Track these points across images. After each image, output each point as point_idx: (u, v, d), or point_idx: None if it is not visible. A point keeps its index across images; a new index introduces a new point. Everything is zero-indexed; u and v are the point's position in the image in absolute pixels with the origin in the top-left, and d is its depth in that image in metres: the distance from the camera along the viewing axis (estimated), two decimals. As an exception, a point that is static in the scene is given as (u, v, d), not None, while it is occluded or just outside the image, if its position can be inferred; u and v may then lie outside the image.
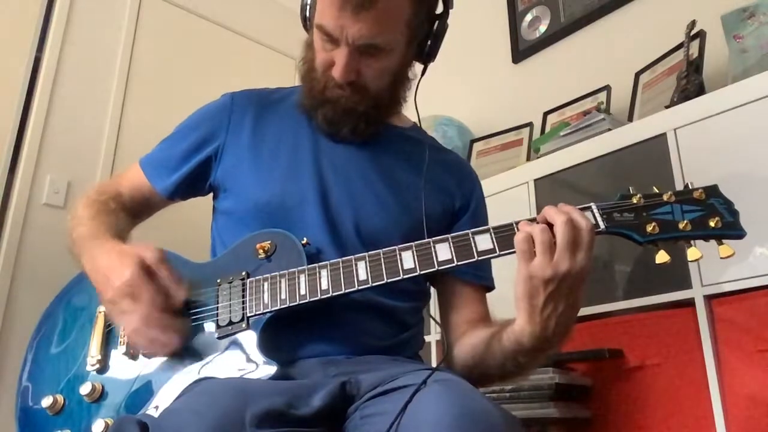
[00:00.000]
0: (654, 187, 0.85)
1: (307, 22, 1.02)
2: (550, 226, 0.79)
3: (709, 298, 1.32)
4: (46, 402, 0.90)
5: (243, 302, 0.88)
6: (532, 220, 0.82)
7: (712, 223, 0.81)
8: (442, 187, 1.07)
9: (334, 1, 0.90)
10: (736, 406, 1.24)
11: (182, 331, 0.86)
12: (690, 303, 1.34)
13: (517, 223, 0.82)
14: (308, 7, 1.00)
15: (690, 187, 0.84)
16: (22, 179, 2.16)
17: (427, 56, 1.05)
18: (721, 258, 0.80)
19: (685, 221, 0.81)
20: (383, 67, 0.98)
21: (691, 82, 1.55)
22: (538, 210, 1.72)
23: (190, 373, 0.86)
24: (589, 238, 0.78)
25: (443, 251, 0.84)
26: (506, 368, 0.89)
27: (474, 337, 0.94)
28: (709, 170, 1.36)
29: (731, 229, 0.81)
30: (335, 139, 1.03)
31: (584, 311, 1.54)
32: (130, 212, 1.07)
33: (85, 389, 0.88)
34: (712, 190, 0.84)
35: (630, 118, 1.79)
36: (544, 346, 0.83)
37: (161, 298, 0.85)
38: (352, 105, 0.99)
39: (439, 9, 1.03)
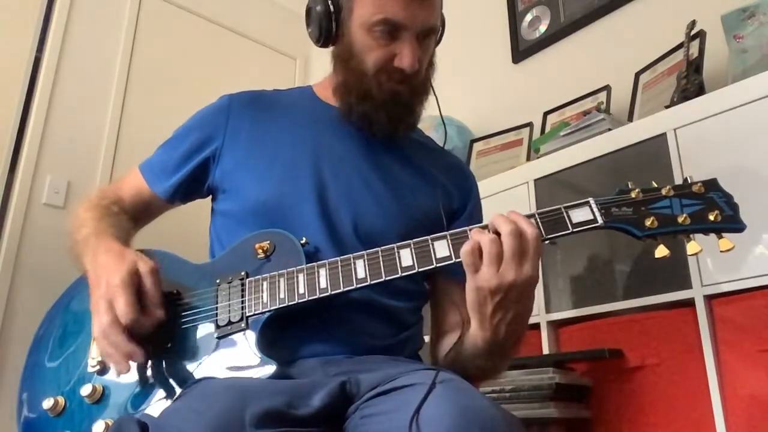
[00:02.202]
0: (653, 182, 0.85)
1: (332, 31, 1.00)
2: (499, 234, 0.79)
3: (709, 298, 1.32)
4: (47, 404, 0.90)
5: (242, 302, 0.88)
6: (485, 227, 0.81)
7: (711, 217, 0.80)
8: (440, 187, 1.07)
9: None
10: (736, 406, 1.24)
11: (133, 354, 0.84)
12: (690, 303, 1.34)
13: (470, 229, 0.82)
14: (341, 11, 0.99)
15: (689, 181, 0.84)
16: (22, 179, 2.17)
17: (437, 43, 1.07)
18: (721, 251, 0.79)
19: (684, 215, 0.80)
20: (430, 53, 1.01)
21: (691, 82, 1.55)
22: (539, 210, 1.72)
23: (189, 374, 0.86)
24: (534, 246, 0.78)
25: (442, 249, 0.84)
26: (470, 372, 0.91)
27: (451, 338, 0.97)
28: (709, 170, 1.36)
29: (731, 223, 0.80)
30: (351, 139, 1.03)
31: (584, 311, 1.55)
32: (131, 217, 1.08)
33: (85, 390, 0.88)
34: (712, 184, 0.83)
35: (630, 118, 1.79)
36: (499, 350, 0.85)
37: (135, 312, 0.84)
38: (407, 99, 0.99)
39: None
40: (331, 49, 1.04)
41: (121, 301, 0.83)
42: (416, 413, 0.68)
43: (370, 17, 0.94)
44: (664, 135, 1.47)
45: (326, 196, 0.98)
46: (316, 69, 3.05)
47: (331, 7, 0.99)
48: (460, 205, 1.09)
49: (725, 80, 1.53)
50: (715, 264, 1.31)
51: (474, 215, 1.10)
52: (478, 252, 0.78)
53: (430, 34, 0.98)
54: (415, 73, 0.97)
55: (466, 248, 0.78)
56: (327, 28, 1.00)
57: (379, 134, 1.01)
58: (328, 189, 0.99)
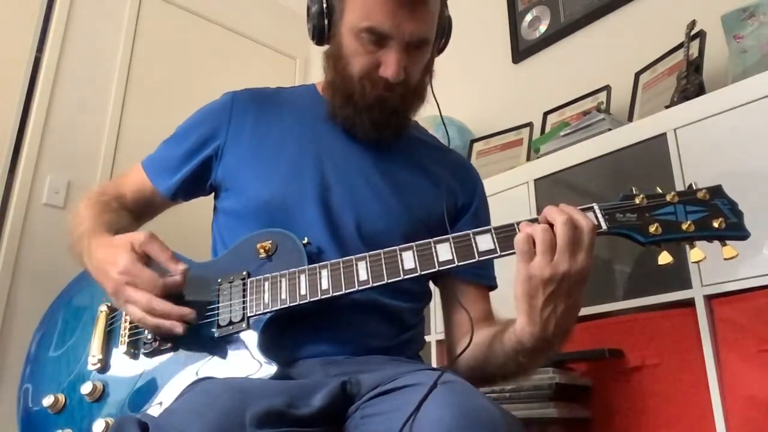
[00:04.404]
0: (657, 188, 0.85)
1: (325, 31, 1.00)
2: (552, 226, 0.78)
3: (709, 298, 1.32)
4: (47, 401, 0.90)
5: (243, 302, 0.88)
6: (533, 221, 0.81)
7: (715, 224, 0.80)
8: (444, 186, 1.07)
9: (389, 1, 0.91)
10: (736, 406, 1.24)
11: (186, 314, 0.85)
12: (690, 303, 1.34)
13: (518, 223, 0.82)
14: (333, 13, 0.99)
15: (693, 188, 0.83)
16: (22, 179, 2.17)
17: (440, 50, 1.07)
18: (725, 259, 0.79)
19: (689, 222, 0.80)
20: (423, 62, 1.00)
21: (691, 82, 1.55)
22: (538, 210, 1.72)
23: (190, 373, 0.86)
24: (589, 238, 0.78)
25: (444, 251, 0.84)
26: (508, 368, 0.89)
27: (477, 336, 0.94)
28: (709, 170, 1.36)
29: (735, 230, 0.80)
30: (354, 138, 1.02)
31: (584, 311, 1.54)
32: (132, 213, 1.08)
33: (86, 389, 0.88)
34: (716, 191, 0.83)
35: (630, 118, 1.79)
36: (545, 347, 0.83)
37: (161, 280, 0.85)
38: (396, 105, 0.98)
39: None
40: (325, 48, 1.04)
41: (144, 278, 0.84)
42: (413, 415, 0.68)
43: (357, 23, 0.94)
44: (664, 135, 1.47)
45: (329, 196, 0.98)
46: (316, 69, 3.04)
47: (325, 7, 0.99)
48: (464, 203, 1.08)
49: (725, 80, 1.53)
50: (715, 264, 1.30)
51: (479, 213, 1.10)
52: (532, 241, 0.77)
53: (420, 45, 0.96)
54: (403, 82, 0.96)
55: (520, 236, 0.78)
56: (320, 27, 1.00)
57: (363, 138, 1.01)
58: (331, 189, 0.99)
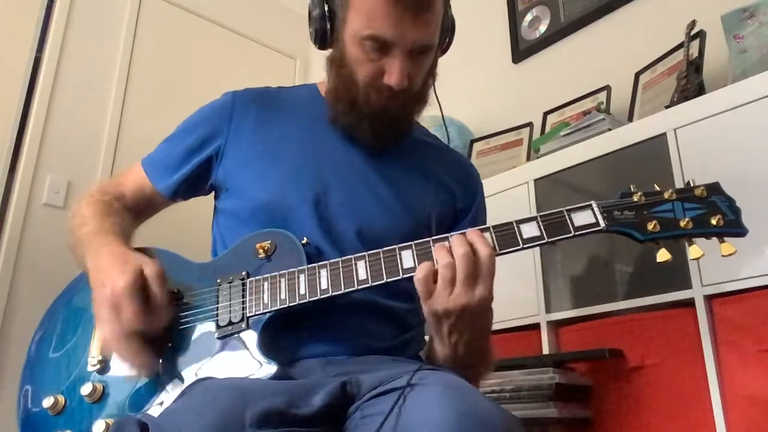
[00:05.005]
0: (655, 185, 0.85)
1: (328, 36, 0.99)
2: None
3: (709, 298, 1.32)
4: (47, 402, 0.90)
5: (243, 302, 0.88)
6: (444, 239, 0.83)
7: (713, 221, 0.80)
8: (444, 188, 1.07)
9: (392, 9, 0.89)
10: (736, 406, 1.24)
11: (147, 363, 0.85)
12: (690, 303, 1.34)
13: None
14: (334, 20, 0.98)
15: (691, 185, 0.84)
16: (22, 179, 2.17)
17: (444, 50, 1.06)
18: (723, 256, 0.79)
19: (687, 219, 0.81)
20: (427, 67, 0.99)
21: (691, 82, 1.55)
22: (539, 210, 1.72)
23: (190, 373, 0.86)
24: (488, 267, 0.79)
25: (444, 251, 0.84)
26: None
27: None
28: (709, 170, 1.36)
29: (733, 227, 0.80)
30: (357, 145, 1.02)
31: (584, 311, 1.55)
32: (132, 212, 1.07)
33: (85, 390, 0.88)
34: (714, 188, 0.83)
35: (630, 118, 1.79)
36: (461, 364, 0.86)
37: (143, 319, 0.84)
38: (396, 112, 0.98)
39: None
40: (328, 52, 1.04)
41: (128, 310, 0.83)
42: (388, 418, 0.70)
43: (360, 31, 0.93)
44: (664, 135, 1.47)
45: (329, 199, 0.98)
46: (316, 69, 3.05)
47: (327, 12, 0.98)
48: (464, 206, 1.08)
49: (725, 80, 1.53)
50: (715, 264, 1.30)
51: (478, 217, 1.10)
52: (432, 278, 0.79)
53: (424, 51, 0.96)
54: (407, 88, 0.95)
55: (419, 276, 0.80)
56: (322, 31, 1.00)
57: (364, 145, 1.01)
58: (330, 191, 0.98)
